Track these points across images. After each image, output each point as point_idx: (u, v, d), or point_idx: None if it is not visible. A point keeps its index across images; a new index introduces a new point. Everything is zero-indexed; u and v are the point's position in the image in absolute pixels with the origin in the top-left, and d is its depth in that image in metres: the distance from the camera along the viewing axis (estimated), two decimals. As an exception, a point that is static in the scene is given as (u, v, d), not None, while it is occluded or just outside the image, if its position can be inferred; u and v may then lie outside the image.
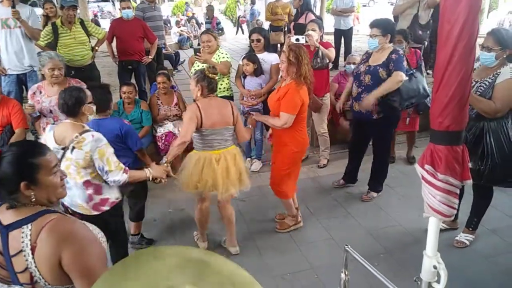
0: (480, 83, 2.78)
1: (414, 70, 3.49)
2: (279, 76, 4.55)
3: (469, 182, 1.27)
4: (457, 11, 1.11)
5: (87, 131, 2.30)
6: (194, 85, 2.88)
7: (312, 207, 3.83)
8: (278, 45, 7.95)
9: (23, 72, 4.56)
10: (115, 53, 5.54)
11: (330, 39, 7.78)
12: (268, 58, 4.30)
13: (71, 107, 2.32)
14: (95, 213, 2.41)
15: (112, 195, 2.48)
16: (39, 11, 7.87)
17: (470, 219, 3.19)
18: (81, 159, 2.25)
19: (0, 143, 3.62)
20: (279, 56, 4.38)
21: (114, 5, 22.73)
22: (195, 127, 2.79)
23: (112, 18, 12.30)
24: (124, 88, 4.19)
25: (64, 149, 2.26)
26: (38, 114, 3.54)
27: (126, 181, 2.41)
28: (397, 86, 3.41)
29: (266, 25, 8.77)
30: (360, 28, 12.54)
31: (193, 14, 16.52)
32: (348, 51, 7.48)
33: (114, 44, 5.53)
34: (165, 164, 2.78)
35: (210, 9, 8.39)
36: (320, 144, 4.65)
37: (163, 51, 7.25)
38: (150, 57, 5.54)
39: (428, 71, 5.34)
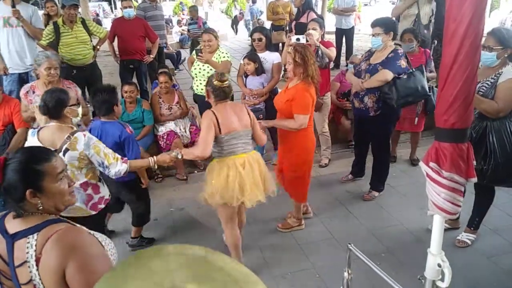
0: (482, 83, 2.77)
1: (414, 70, 3.49)
2: (281, 75, 4.56)
3: (474, 179, 1.27)
4: (462, 10, 1.11)
5: (77, 131, 2.29)
6: (206, 95, 2.83)
7: (314, 206, 3.83)
8: (280, 44, 7.94)
9: (25, 71, 4.55)
10: (117, 52, 5.54)
11: (332, 38, 7.78)
12: (269, 57, 4.30)
13: (51, 109, 2.28)
14: (93, 212, 2.41)
15: (106, 193, 2.51)
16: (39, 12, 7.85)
17: (472, 218, 3.19)
18: (75, 160, 2.24)
19: (1, 143, 3.63)
20: (281, 55, 4.39)
21: (110, 4, 22.77)
22: (214, 135, 2.65)
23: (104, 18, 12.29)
24: (126, 88, 4.20)
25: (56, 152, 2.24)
26: None
27: (127, 171, 2.39)
28: (378, 84, 3.45)
29: (267, 25, 8.76)
30: (361, 27, 12.54)
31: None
32: (349, 50, 7.48)
33: (115, 43, 5.53)
34: (174, 154, 2.67)
35: (193, 9, 8.33)
36: (321, 143, 4.65)
37: (165, 50, 7.25)
38: (151, 56, 5.54)
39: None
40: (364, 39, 10.80)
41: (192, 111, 4.77)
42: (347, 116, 4.91)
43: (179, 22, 13.77)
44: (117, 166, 2.34)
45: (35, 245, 1.22)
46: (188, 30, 8.59)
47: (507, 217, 3.56)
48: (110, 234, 3.39)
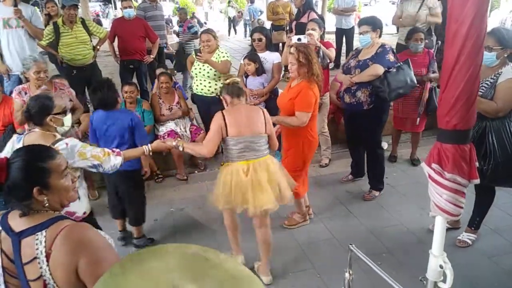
0: (481, 83, 2.77)
1: (401, 63, 3.59)
2: (281, 75, 4.56)
3: (477, 181, 1.27)
4: (464, 11, 1.11)
5: (60, 140, 2.22)
6: (224, 104, 2.78)
7: (314, 206, 3.82)
8: (280, 44, 7.94)
9: (25, 71, 4.55)
10: (117, 53, 5.54)
11: (332, 38, 7.78)
12: (269, 57, 4.29)
13: (34, 115, 2.24)
14: None
15: (80, 210, 2.41)
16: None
17: (473, 218, 3.19)
18: None
19: (1, 143, 3.63)
20: (281, 55, 4.38)
21: (105, 5, 22.73)
22: (221, 137, 2.63)
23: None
24: (126, 88, 4.20)
25: None
26: None
27: (122, 162, 2.34)
28: (370, 79, 3.51)
29: (268, 25, 8.76)
30: (360, 28, 12.51)
31: (193, 13, 16.51)
32: (349, 50, 7.46)
33: (116, 43, 5.53)
34: (174, 143, 2.65)
35: (182, 11, 8.28)
36: (321, 143, 4.65)
37: (165, 50, 7.24)
38: (151, 56, 5.54)
39: None
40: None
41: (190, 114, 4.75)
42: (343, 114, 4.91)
43: (179, 22, 13.76)
44: (111, 161, 2.28)
45: (45, 242, 1.24)
46: (177, 34, 8.49)
47: (508, 217, 3.56)
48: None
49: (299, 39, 3.96)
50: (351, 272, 1.88)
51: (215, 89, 4.30)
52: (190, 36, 7.22)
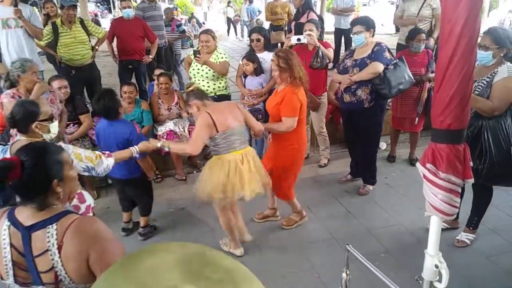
0: (478, 82, 2.78)
1: (397, 60, 3.65)
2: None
3: (471, 180, 1.27)
4: (458, 10, 1.11)
5: None
6: (195, 109, 2.84)
7: (313, 206, 3.83)
8: (279, 44, 7.94)
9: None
10: (116, 53, 5.54)
11: (331, 38, 7.78)
12: (268, 57, 4.29)
13: (18, 122, 2.19)
14: None
15: (91, 200, 2.47)
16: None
17: (471, 218, 3.19)
18: None
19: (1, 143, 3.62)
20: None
21: (99, 6, 22.77)
22: (209, 135, 2.74)
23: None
24: (125, 88, 4.20)
25: None
26: None
27: (114, 164, 2.35)
28: (370, 77, 3.55)
29: (266, 25, 8.76)
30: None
31: (192, 14, 16.52)
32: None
33: (114, 43, 5.53)
34: (159, 144, 2.72)
35: (168, 10, 8.24)
36: (320, 143, 4.65)
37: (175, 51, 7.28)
38: (150, 56, 5.54)
39: None
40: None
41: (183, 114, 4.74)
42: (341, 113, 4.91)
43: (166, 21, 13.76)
44: (104, 163, 2.27)
45: (56, 234, 1.29)
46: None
47: (506, 216, 3.56)
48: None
49: (298, 40, 3.97)
50: (348, 272, 1.89)
51: (214, 89, 4.30)
52: (178, 35, 7.22)
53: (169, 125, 4.42)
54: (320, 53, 4.01)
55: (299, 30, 5.20)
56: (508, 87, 2.64)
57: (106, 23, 13.02)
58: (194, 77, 4.36)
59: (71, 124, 4.01)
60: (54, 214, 1.33)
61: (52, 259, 1.29)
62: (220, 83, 4.33)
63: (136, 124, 3.10)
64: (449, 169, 1.22)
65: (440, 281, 1.33)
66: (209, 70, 4.23)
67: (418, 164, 1.33)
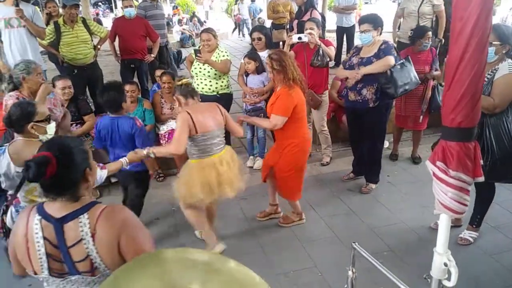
0: None
1: (403, 60, 3.64)
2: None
3: (481, 178, 1.27)
4: (469, 8, 1.11)
5: None
6: (177, 104, 2.92)
7: (315, 204, 3.84)
8: (281, 42, 7.93)
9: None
10: (118, 52, 5.54)
11: (332, 36, 7.77)
12: (270, 56, 4.29)
13: (14, 122, 2.18)
14: None
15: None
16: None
17: (474, 216, 3.20)
18: None
19: (3, 143, 3.62)
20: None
21: (101, 6, 22.75)
22: (189, 135, 2.75)
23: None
24: (127, 87, 4.18)
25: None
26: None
27: (106, 176, 2.35)
28: (384, 69, 3.54)
29: (268, 23, 8.75)
30: (360, 26, 12.49)
31: (194, 13, 16.51)
32: (350, 48, 7.43)
33: (116, 42, 5.52)
34: (145, 152, 2.72)
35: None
36: (321, 142, 4.66)
37: (171, 50, 7.27)
38: (152, 55, 5.54)
39: None
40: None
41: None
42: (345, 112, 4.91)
43: (180, 21, 13.76)
44: (97, 174, 2.28)
45: (88, 223, 1.34)
46: None
47: (509, 214, 3.57)
48: None
49: (299, 38, 3.98)
50: (354, 270, 1.89)
51: (216, 88, 4.30)
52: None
53: (172, 125, 4.41)
54: (321, 52, 4.01)
55: (301, 29, 5.19)
56: (509, 84, 2.64)
57: (107, 23, 13.02)
58: (196, 76, 4.36)
59: (74, 124, 4.01)
60: (84, 204, 1.38)
61: (87, 248, 1.33)
62: (222, 81, 4.33)
63: (137, 119, 3.10)
64: (459, 167, 1.22)
65: (449, 279, 1.34)
66: (211, 68, 4.22)
67: (427, 162, 1.33)
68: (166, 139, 4.32)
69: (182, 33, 12.72)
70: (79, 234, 1.33)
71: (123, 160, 2.61)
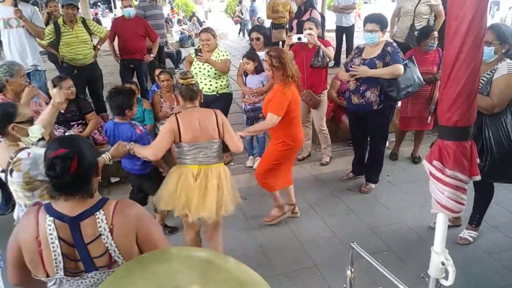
0: None
1: (407, 61, 3.60)
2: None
3: (478, 177, 1.28)
4: (464, 7, 1.12)
5: (22, 149, 2.13)
6: (176, 101, 2.83)
7: (315, 204, 3.84)
8: (280, 42, 7.93)
9: (27, 71, 4.51)
10: (117, 52, 5.54)
11: (332, 36, 7.77)
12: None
13: None
14: None
15: None
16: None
17: (473, 215, 3.20)
18: (22, 181, 2.09)
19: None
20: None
21: (100, 6, 22.75)
22: (172, 141, 2.56)
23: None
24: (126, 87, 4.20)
25: (4, 172, 2.13)
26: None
27: None
28: (391, 77, 3.50)
29: (267, 23, 8.75)
30: (361, 25, 12.49)
31: (193, 12, 16.51)
32: (349, 48, 7.47)
33: (116, 42, 5.53)
34: (128, 147, 2.62)
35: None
36: (321, 141, 4.66)
37: (165, 49, 7.25)
38: (152, 55, 5.54)
39: None
40: (364, 37, 10.77)
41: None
42: (347, 114, 4.91)
43: (179, 21, 13.77)
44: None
45: (105, 219, 1.37)
46: None
47: (508, 213, 3.57)
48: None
49: (299, 39, 3.98)
50: (352, 270, 1.89)
51: (216, 87, 4.31)
52: None
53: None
54: (321, 53, 4.02)
55: (301, 29, 5.19)
56: (508, 84, 2.64)
57: (106, 23, 13.02)
58: (196, 76, 4.36)
59: (76, 124, 4.02)
60: (97, 201, 1.41)
61: (106, 243, 1.36)
62: (222, 81, 4.34)
63: (137, 125, 3.09)
64: (456, 166, 1.22)
65: (446, 278, 1.34)
66: (211, 68, 4.23)
67: (424, 161, 1.33)
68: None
69: (182, 33, 12.74)
70: (97, 230, 1.36)
71: (105, 156, 2.54)
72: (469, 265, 2.87)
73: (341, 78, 4.14)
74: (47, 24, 5.25)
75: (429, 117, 4.32)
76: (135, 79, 5.36)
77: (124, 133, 2.99)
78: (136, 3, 7.21)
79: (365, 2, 24.42)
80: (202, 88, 4.31)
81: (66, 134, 3.84)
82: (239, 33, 15.50)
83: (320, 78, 4.25)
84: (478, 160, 1.26)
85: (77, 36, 4.80)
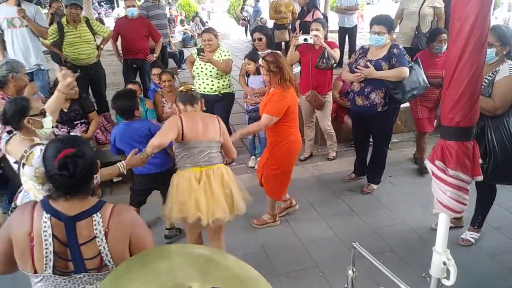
0: None
1: (412, 63, 3.59)
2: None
3: (480, 178, 1.28)
4: (467, 8, 1.12)
5: (37, 145, 2.15)
6: (177, 111, 2.82)
7: (317, 204, 3.84)
8: (283, 43, 7.95)
9: (30, 71, 4.53)
10: (120, 52, 5.56)
11: (334, 37, 7.77)
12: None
13: (10, 118, 2.18)
14: None
15: None
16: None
17: (475, 217, 3.19)
18: (33, 175, 2.11)
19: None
20: (284, 54, 4.40)
21: (103, 5, 22.78)
22: (175, 136, 2.57)
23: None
24: (129, 87, 4.21)
25: (17, 163, 2.16)
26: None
27: (99, 181, 2.24)
28: (397, 80, 3.49)
29: (270, 24, 8.75)
30: (364, 26, 12.49)
31: (196, 13, 16.52)
32: (352, 49, 7.47)
33: (119, 42, 5.54)
34: (142, 154, 2.56)
35: None
36: (327, 139, 4.69)
37: (168, 49, 7.26)
38: (155, 55, 5.56)
39: None
40: (367, 38, 10.76)
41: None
42: (350, 115, 4.91)
43: (182, 21, 13.79)
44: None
45: (101, 222, 1.38)
46: None
47: (510, 215, 3.56)
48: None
49: (305, 40, 3.98)
50: (354, 270, 1.89)
51: (218, 87, 4.32)
52: None
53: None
54: (326, 54, 4.02)
55: (304, 29, 5.21)
56: (510, 85, 2.64)
57: (109, 22, 13.05)
58: (198, 76, 4.37)
59: (79, 123, 4.04)
60: (95, 203, 1.42)
61: (99, 245, 1.37)
62: (224, 81, 4.35)
63: (151, 120, 3.15)
64: (458, 166, 1.22)
65: (448, 278, 1.34)
66: (213, 68, 4.24)
67: (426, 161, 1.33)
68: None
69: (184, 33, 12.76)
70: (92, 232, 1.36)
71: (120, 165, 2.46)
72: (470, 267, 2.87)
73: (344, 79, 4.13)
74: (50, 24, 5.27)
75: (435, 121, 4.29)
76: (137, 79, 5.38)
77: (140, 130, 3.01)
78: (139, 3, 7.23)
79: (368, 3, 24.40)
80: (204, 88, 4.34)
81: (71, 133, 3.86)
82: (246, 34, 15.51)
83: (325, 79, 4.25)
84: (480, 161, 1.27)
85: (81, 36, 4.82)
